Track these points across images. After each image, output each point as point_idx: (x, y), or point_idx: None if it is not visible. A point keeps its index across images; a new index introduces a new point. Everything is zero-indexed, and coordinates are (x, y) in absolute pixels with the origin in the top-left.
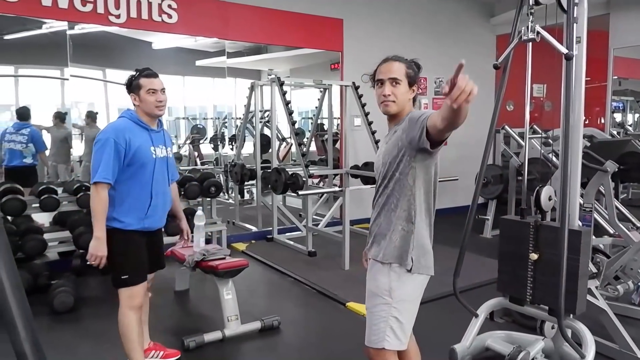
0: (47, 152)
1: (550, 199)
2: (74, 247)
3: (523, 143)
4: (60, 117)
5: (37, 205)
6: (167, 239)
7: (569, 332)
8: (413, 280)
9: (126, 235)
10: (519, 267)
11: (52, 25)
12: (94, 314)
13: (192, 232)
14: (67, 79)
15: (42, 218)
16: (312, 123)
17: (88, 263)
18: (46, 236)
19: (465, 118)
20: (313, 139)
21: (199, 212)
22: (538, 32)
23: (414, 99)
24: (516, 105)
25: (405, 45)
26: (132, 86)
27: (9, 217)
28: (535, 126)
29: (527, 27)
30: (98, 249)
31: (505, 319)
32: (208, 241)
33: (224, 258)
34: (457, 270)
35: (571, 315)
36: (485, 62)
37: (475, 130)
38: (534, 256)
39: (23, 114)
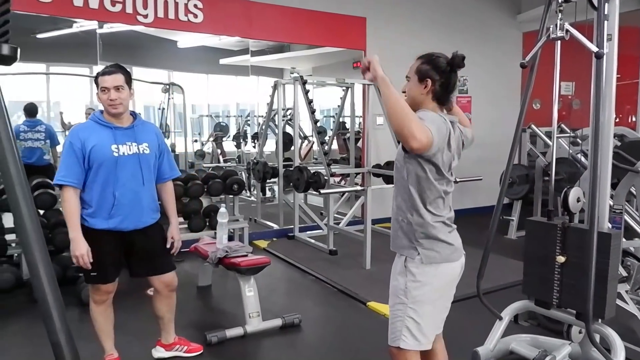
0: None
1: (578, 201)
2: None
3: (550, 142)
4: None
5: None
6: (190, 235)
7: (597, 337)
8: (433, 278)
9: (92, 234)
10: (546, 269)
11: (83, 25)
12: (119, 307)
13: (214, 230)
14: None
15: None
16: (333, 122)
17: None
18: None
19: (398, 121)
20: (335, 138)
21: (222, 209)
22: (567, 30)
23: (439, 98)
24: (543, 103)
25: (429, 43)
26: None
27: (40, 211)
28: (562, 125)
29: (556, 25)
30: (74, 248)
31: (530, 323)
32: (230, 238)
33: (246, 255)
34: (480, 271)
35: (600, 320)
36: (511, 60)
37: (499, 129)
38: (561, 259)
39: (32, 110)
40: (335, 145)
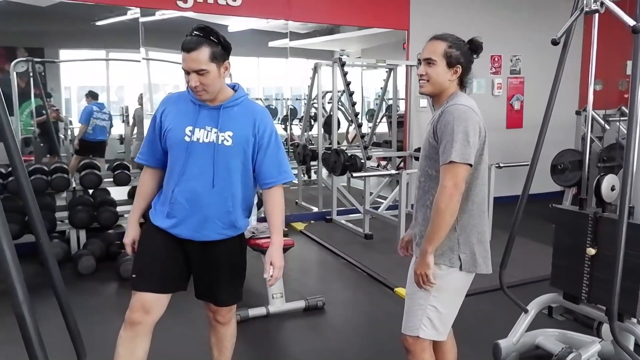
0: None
1: (613, 189)
2: (143, 220)
3: (607, 126)
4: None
5: (111, 179)
6: None
7: (631, 338)
8: (459, 274)
9: (149, 229)
10: (575, 261)
11: (136, 12)
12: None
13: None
14: (139, 61)
15: (120, 192)
16: (377, 104)
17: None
18: (120, 209)
19: (449, 220)
20: (380, 121)
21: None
22: (602, 3)
23: (462, 81)
24: (606, 84)
25: (476, 20)
26: None
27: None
28: (623, 108)
29: None
30: (125, 234)
31: (566, 317)
32: (265, 220)
33: (269, 237)
34: (503, 261)
35: (631, 318)
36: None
37: (555, 111)
38: (591, 251)
39: (96, 94)
40: (384, 129)
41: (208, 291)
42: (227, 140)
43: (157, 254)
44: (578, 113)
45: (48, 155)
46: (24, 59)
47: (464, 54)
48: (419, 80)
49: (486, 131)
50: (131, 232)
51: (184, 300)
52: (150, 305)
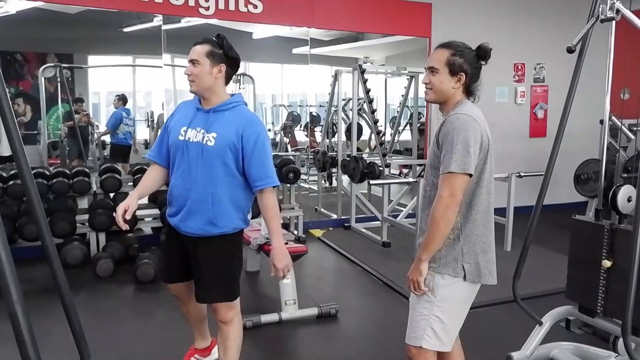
0: None
1: (629, 200)
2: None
3: (632, 136)
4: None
5: (131, 183)
6: None
7: None
8: (464, 285)
9: (167, 225)
10: (591, 274)
11: (160, 19)
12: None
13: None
14: (161, 67)
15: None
16: (397, 112)
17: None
18: (140, 212)
19: (445, 228)
20: (406, 128)
21: None
22: (618, 10)
23: (468, 89)
24: (633, 93)
25: (498, 28)
26: None
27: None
28: None
29: (606, 5)
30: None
31: (585, 330)
32: (285, 226)
33: (286, 243)
34: (517, 272)
35: None
36: (596, 43)
37: (577, 121)
38: (607, 263)
39: (126, 99)
40: (409, 136)
41: (196, 286)
42: (210, 141)
43: (167, 250)
44: (602, 122)
45: (76, 160)
46: (52, 64)
47: (468, 61)
48: (425, 88)
49: (490, 140)
50: (125, 201)
51: None
52: (177, 289)
